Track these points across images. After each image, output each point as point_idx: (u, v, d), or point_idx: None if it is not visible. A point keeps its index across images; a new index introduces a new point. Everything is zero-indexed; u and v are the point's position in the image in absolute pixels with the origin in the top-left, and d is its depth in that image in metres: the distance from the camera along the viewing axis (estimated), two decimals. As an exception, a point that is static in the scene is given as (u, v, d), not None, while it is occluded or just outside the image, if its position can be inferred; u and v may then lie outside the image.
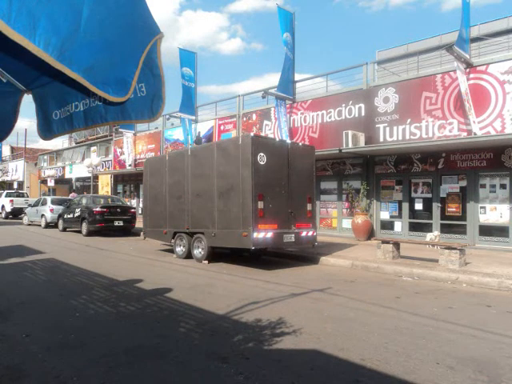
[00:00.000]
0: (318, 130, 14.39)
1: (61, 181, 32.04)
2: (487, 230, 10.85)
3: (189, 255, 9.71)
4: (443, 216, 11.54)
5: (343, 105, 13.68)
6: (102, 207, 15.37)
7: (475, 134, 10.47)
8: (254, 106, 17.09)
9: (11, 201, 25.48)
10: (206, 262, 9.20)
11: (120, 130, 23.75)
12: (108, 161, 25.87)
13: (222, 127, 18.29)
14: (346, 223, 13.68)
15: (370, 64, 13.65)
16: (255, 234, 7.97)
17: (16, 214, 25.21)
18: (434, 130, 11.58)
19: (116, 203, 16.76)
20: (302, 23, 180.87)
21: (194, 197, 9.58)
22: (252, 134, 8.76)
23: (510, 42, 13.49)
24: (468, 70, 10.94)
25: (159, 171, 10.92)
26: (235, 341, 4.07)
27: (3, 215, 25.85)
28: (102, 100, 2.40)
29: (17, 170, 37.72)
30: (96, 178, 25.46)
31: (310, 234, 9.12)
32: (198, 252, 9.51)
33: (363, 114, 13.14)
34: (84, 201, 16.49)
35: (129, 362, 3.54)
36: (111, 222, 15.24)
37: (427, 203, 11.93)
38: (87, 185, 28.98)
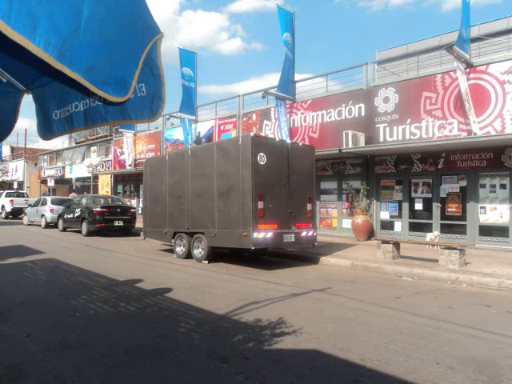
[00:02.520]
0: (318, 130, 14.39)
1: (61, 181, 32.03)
2: (487, 230, 10.85)
3: (189, 255, 9.71)
4: (443, 216, 11.54)
5: (343, 105, 13.68)
6: (101, 207, 15.37)
7: (475, 133, 10.47)
8: (254, 106, 17.09)
9: (11, 201, 25.48)
10: (206, 262, 9.20)
11: (120, 129, 23.75)
12: (108, 161, 25.87)
13: (222, 127, 18.29)
14: (346, 223, 13.68)
15: (370, 64, 13.65)
16: (255, 234, 7.97)
17: (16, 213, 25.21)
18: (434, 129, 11.58)
19: (116, 203, 16.76)
20: (301, 23, 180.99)
21: (193, 197, 9.58)
22: (252, 134, 8.76)
23: (510, 42, 13.49)
24: (468, 69, 10.94)
25: (159, 171, 10.92)
26: (235, 341, 4.07)
27: (3, 215, 25.84)
28: (102, 100, 2.40)
29: (17, 170, 37.71)
30: (96, 178, 25.46)
31: (310, 234, 9.12)
32: (198, 252, 9.51)
33: (363, 113, 13.14)
34: (84, 201, 16.48)
35: (129, 362, 3.54)
36: (111, 222, 15.23)
37: (427, 203, 11.93)
38: (87, 185, 28.98)
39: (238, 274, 7.92)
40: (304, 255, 9.75)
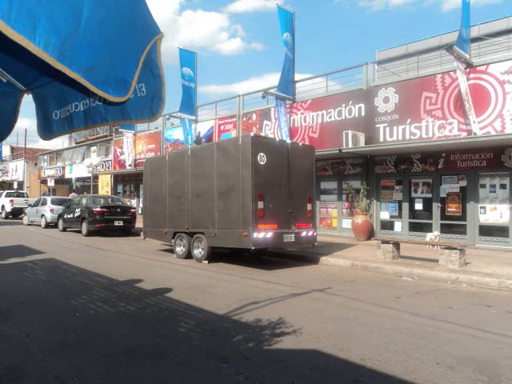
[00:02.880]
0: (318, 130, 14.39)
1: (61, 181, 32.03)
2: (487, 230, 10.85)
3: (189, 255, 9.71)
4: (443, 216, 11.53)
5: (343, 105, 13.68)
6: (101, 207, 15.37)
7: (475, 134, 10.47)
8: (254, 106, 17.09)
9: (11, 201, 25.48)
10: (206, 262, 9.20)
11: (120, 129, 23.75)
12: (108, 161, 25.87)
13: (222, 127, 18.29)
14: (346, 223, 13.68)
15: (370, 64, 13.65)
16: (255, 234, 7.97)
17: (16, 213, 25.21)
18: (434, 129, 11.58)
19: (116, 203, 16.76)
20: (301, 23, 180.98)
21: (194, 197, 9.58)
22: (252, 134, 8.75)
23: (510, 42, 13.49)
24: (468, 70, 10.94)
25: (159, 171, 10.92)
26: (235, 341, 4.07)
27: (3, 215, 25.84)
28: (102, 100, 2.40)
29: (17, 170, 37.71)
30: (96, 178, 25.46)
31: (310, 233, 9.12)
32: (198, 252, 9.51)
33: (363, 114, 13.14)
34: (84, 201, 16.48)
35: (129, 362, 3.54)
36: (111, 222, 15.23)
37: (427, 203, 11.93)
38: (87, 185, 28.99)
39: (237, 274, 7.92)
40: (304, 255, 9.74)
